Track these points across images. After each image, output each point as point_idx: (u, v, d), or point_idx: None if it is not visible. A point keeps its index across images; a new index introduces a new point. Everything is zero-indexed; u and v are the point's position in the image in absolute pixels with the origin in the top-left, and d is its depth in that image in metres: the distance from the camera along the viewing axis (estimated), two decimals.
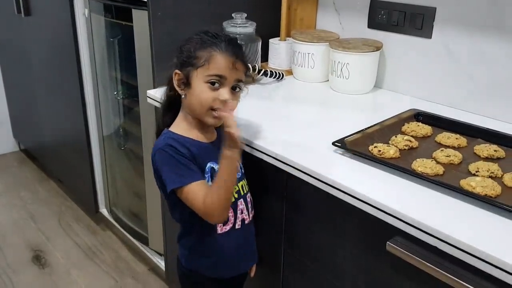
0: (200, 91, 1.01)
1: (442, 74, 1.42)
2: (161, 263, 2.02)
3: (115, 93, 2.04)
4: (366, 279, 1.03)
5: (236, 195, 1.11)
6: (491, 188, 0.92)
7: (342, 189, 0.96)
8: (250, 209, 1.16)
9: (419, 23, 1.43)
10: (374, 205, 0.91)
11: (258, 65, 1.60)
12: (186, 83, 1.03)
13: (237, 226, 1.13)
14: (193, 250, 1.16)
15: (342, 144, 1.09)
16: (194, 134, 1.07)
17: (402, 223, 0.87)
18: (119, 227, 2.27)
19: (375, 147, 1.09)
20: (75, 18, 1.99)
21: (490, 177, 0.98)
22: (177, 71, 1.05)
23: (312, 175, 1.02)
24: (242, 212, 1.13)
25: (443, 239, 0.81)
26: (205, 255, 1.15)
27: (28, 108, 2.77)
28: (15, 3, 2.36)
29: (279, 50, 1.68)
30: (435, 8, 1.39)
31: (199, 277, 1.18)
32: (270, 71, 1.59)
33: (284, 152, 1.09)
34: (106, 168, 2.26)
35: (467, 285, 0.80)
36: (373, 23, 1.56)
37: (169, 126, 1.10)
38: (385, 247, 0.91)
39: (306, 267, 1.18)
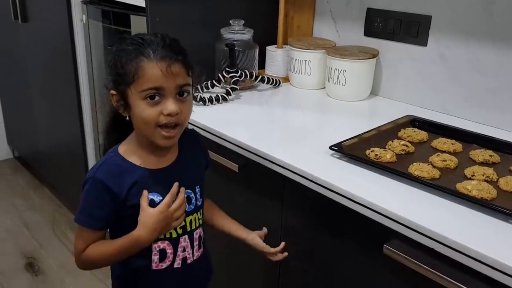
0: (140, 111, 0.87)
1: (437, 81, 1.43)
2: None
3: None
4: (363, 282, 1.03)
5: (180, 231, 0.97)
6: (487, 192, 0.93)
7: (339, 192, 0.97)
8: (196, 247, 1.01)
9: (414, 31, 1.45)
10: (371, 207, 0.91)
11: (255, 71, 1.61)
12: (125, 103, 0.89)
13: (176, 265, 0.98)
14: (122, 281, 1.02)
15: (339, 148, 1.10)
16: (142, 157, 0.94)
17: (399, 225, 0.87)
18: None
19: (372, 151, 1.10)
20: (72, 25, 1.99)
21: (486, 181, 0.99)
22: (112, 91, 0.90)
23: (310, 178, 1.02)
24: (184, 250, 0.99)
25: (440, 240, 0.81)
26: None
27: (23, 114, 2.77)
28: (12, 10, 2.36)
29: (276, 57, 1.69)
30: (431, 17, 1.40)
31: None
32: (267, 77, 1.60)
33: (282, 156, 1.10)
34: None
35: (464, 286, 0.80)
36: (369, 31, 1.58)
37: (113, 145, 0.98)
38: (382, 250, 0.91)
39: (303, 272, 1.18)
